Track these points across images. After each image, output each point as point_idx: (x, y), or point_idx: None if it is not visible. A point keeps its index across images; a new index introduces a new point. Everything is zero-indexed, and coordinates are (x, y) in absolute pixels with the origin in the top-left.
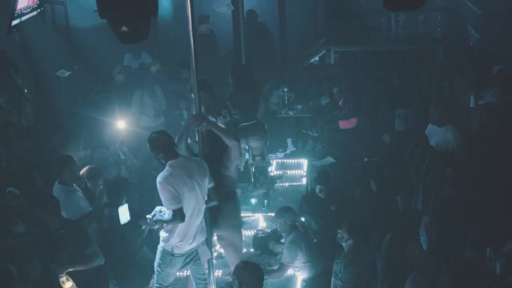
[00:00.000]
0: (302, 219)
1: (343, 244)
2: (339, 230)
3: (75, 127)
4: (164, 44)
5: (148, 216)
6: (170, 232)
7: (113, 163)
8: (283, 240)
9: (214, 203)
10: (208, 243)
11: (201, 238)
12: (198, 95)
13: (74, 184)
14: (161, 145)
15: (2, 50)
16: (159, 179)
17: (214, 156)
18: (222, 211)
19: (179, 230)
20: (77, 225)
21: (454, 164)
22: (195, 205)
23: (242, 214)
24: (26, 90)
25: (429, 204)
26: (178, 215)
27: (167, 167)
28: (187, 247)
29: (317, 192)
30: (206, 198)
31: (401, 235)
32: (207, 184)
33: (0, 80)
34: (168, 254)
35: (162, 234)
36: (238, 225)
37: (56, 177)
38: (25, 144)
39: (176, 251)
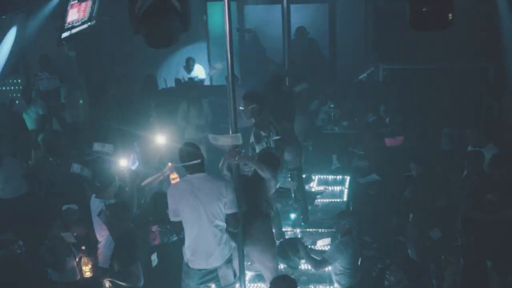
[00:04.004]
0: None
1: None
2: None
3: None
4: (214, 57)
5: None
6: (184, 245)
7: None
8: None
9: (232, 229)
10: (240, 261)
11: (218, 262)
12: (234, 122)
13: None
14: (182, 156)
15: (45, 56)
16: None
17: (253, 180)
18: (253, 229)
19: (188, 244)
20: (135, 238)
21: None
22: (200, 226)
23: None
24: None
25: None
26: (175, 228)
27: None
28: (199, 265)
29: None
30: (219, 222)
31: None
32: (222, 207)
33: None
34: (185, 265)
35: None
36: (270, 246)
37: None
38: (70, 153)
39: (190, 264)
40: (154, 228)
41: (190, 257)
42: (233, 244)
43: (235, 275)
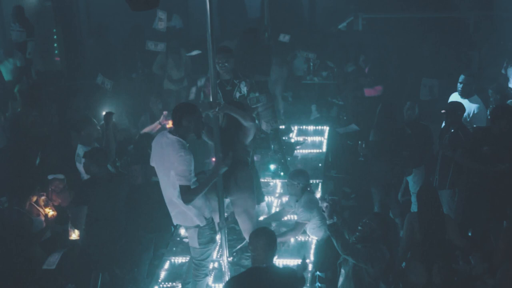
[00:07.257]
0: None
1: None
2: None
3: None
4: (194, 7)
5: None
6: None
7: None
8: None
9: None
10: (221, 212)
11: (178, 221)
12: (214, 82)
13: (96, 144)
14: (174, 113)
15: (18, 7)
16: None
17: (230, 129)
18: (235, 178)
19: None
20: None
21: (491, 141)
22: (163, 181)
23: (261, 180)
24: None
25: (447, 176)
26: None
27: None
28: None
29: None
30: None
31: None
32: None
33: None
34: None
35: None
36: (251, 191)
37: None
38: (50, 107)
39: None
40: (136, 167)
41: None
42: (203, 216)
43: (202, 243)
